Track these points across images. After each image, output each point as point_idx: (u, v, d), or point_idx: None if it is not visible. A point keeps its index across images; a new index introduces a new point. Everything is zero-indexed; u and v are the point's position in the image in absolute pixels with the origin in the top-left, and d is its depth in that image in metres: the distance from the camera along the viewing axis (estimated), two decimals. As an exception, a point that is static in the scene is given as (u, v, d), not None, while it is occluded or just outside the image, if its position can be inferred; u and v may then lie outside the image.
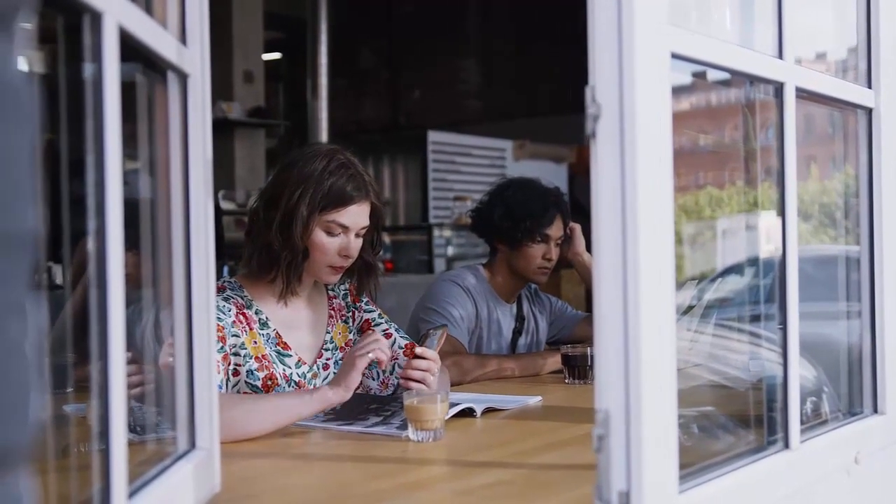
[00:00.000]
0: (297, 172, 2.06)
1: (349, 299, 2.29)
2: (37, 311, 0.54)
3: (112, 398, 0.95)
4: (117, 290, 0.96)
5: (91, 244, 0.95)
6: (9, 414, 0.52)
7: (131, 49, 1.04)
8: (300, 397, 1.89)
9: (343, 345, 2.24)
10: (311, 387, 2.12)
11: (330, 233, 2.07)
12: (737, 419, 1.62)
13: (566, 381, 2.56)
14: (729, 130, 1.89)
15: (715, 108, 1.70)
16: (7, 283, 0.51)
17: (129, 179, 1.02)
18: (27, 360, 0.53)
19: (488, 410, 2.08)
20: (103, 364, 0.95)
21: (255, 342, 2.07)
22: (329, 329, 2.22)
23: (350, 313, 2.28)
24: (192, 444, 1.30)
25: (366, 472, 1.61)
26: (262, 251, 2.08)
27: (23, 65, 0.54)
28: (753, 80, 1.48)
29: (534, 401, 2.25)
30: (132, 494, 1.03)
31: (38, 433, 0.55)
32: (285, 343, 2.12)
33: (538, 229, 2.85)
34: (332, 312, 2.25)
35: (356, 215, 2.08)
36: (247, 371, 2.03)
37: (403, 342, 2.26)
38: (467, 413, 2.02)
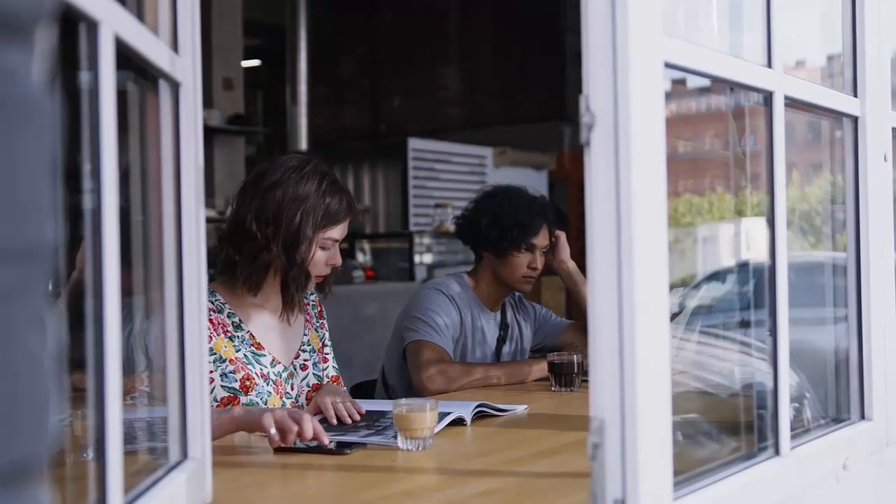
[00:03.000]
0: (291, 193, 2.12)
1: (315, 311, 2.39)
2: (54, 322, 0.54)
3: (108, 410, 0.94)
4: (112, 298, 0.95)
5: (86, 253, 0.95)
6: (29, 427, 0.51)
7: (124, 57, 1.04)
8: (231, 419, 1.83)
9: (317, 350, 2.34)
10: (289, 387, 2.21)
11: (324, 248, 2.18)
12: (725, 426, 1.62)
13: (552, 388, 2.56)
14: (709, 137, 1.90)
15: (695, 115, 1.71)
16: (26, 295, 0.51)
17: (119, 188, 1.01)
18: (46, 372, 0.52)
19: (479, 415, 2.08)
20: (98, 375, 0.94)
21: (227, 346, 2.12)
22: (306, 332, 2.32)
23: (319, 323, 2.39)
24: (185, 455, 1.29)
25: (357, 481, 1.61)
26: (260, 269, 2.13)
27: (41, 76, 0.54)
28: (744, 88, 1.49)
29: (520, 409, 2.25)
30: (127, 506, 1.02)
31: (56, 445, 0.54)
32: (259, 343, 2.18)
33: (525, 238, 2.84)
34: (308, 317, 2.35)
35: (345, 228, 2.22)
36: (221, 374, 2.09)
37: (332, 373, 2.37)
38: (456, 422, 2.02)
